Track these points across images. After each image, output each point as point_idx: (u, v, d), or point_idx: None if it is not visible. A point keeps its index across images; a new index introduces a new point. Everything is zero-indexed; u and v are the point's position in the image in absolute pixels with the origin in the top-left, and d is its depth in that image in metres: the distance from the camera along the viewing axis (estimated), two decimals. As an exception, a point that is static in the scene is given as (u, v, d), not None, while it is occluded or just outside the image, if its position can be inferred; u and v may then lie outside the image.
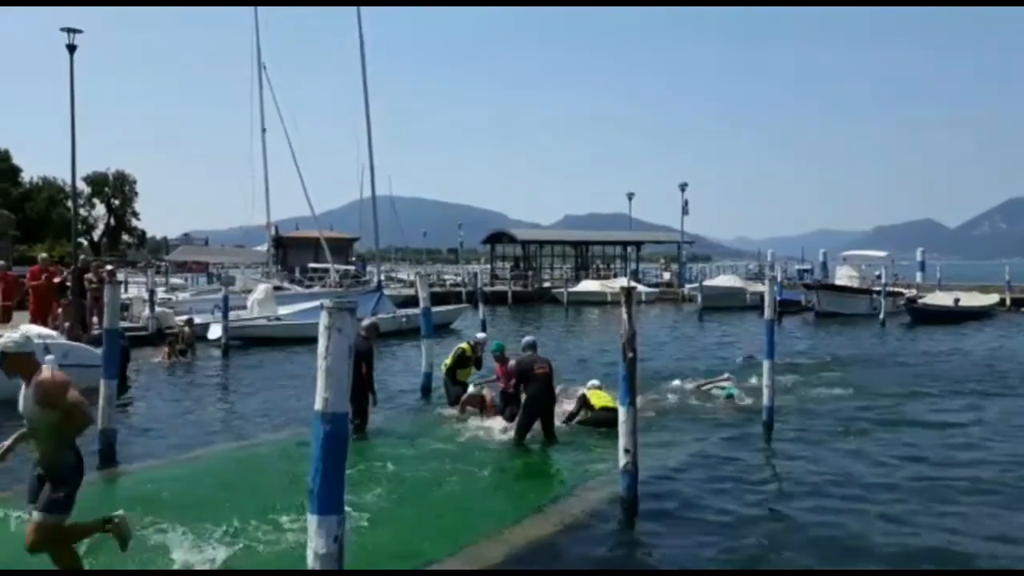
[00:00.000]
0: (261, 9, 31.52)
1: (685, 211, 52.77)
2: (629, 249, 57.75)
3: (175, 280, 41.27)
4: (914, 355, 20.90)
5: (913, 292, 36.93)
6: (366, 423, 10.64)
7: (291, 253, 48.80)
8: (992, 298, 36.34)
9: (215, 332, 22.23)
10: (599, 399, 11.40)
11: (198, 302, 27.19)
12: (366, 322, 11.82)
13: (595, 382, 12.01)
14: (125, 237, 79.48)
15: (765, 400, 11.13)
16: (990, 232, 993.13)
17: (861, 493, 8.30)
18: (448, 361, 12.64)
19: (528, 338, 11.41)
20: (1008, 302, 36.46)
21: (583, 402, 11.48)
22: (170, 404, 13.75)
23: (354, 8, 27.63)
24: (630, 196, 60.38)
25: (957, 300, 33.47)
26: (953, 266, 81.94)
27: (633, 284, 41.89)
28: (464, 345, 12.71)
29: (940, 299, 34.58)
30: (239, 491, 8.02)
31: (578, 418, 11.40)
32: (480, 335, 13.52)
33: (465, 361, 12.52)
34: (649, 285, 50.46)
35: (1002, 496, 8.22)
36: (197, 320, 22.10)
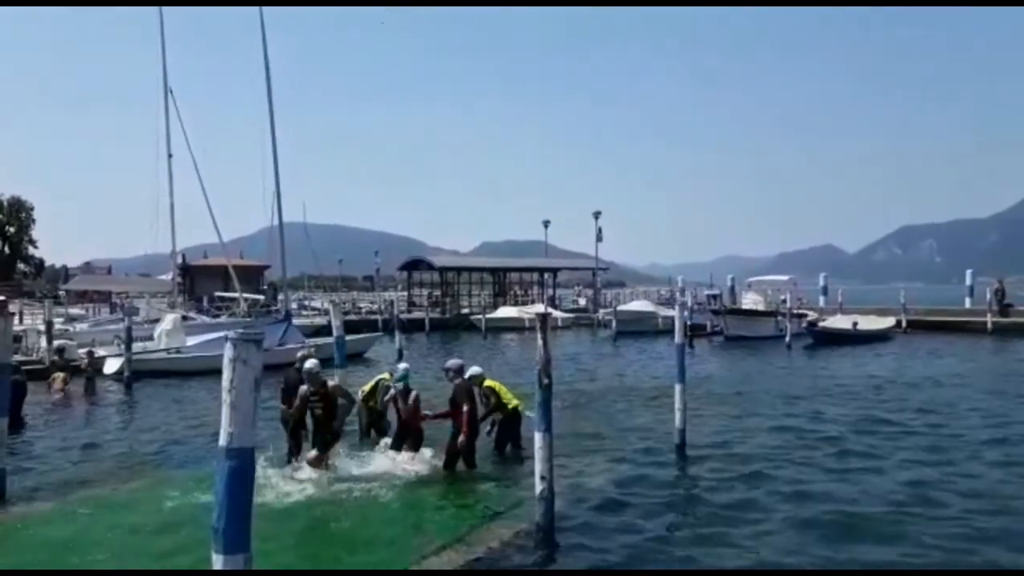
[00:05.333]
0: (168, 30, 30.68)
1: (599, 238, 53.89)
2: (546, 276, 58.35)
3: (74, 310, 39.45)
4: (808, 376, 21.77)
5: (815, 315, 38.40)
6: (299, 453, 10.46)
7: (199, 282, 47.28)
8: (889, 321, 38.10)
9: (112, 366, 21.30)
10: (506, 394, 11.24)
11: (100, 333, 26.06)
12: (300, 353, 11.54)
13: (476, 369, 11.21)
14: (21, 266, 75.58)
15: (677, 423, 11.36)
16: (886, 257, 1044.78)
17: (769, 510, 8.54)
18: (366, 388, 12.45)
19: (453, 361, 10.91)
20: (904, 324, 38.30)
21: (494, 400, 11.13)
22: (68, 442, 13.03)
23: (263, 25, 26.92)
24: (546, 224, 61.21)
25: (855, 323, 35.02)
26: (854, 290, 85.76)
27: (549, 310, 42.32)
28: (385, 375, 12.52)
29: (840, 322, 36.11)
30: (142, 532, 7.68)
31: (492, 418, 11.19)
32: (402, 365, 13.27)
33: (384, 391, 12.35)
34: (566, 311, 51.03)
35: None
36: (100, 352, 21.17)
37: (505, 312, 46.84)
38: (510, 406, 11.21)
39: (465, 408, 10.15)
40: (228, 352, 3.99)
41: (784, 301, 36.96)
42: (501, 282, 57.79)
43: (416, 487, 9.46)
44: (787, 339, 31.46)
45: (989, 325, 35.93)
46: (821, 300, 48.47)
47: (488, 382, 11.38)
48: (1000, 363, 25.47)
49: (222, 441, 3.98)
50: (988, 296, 37.55)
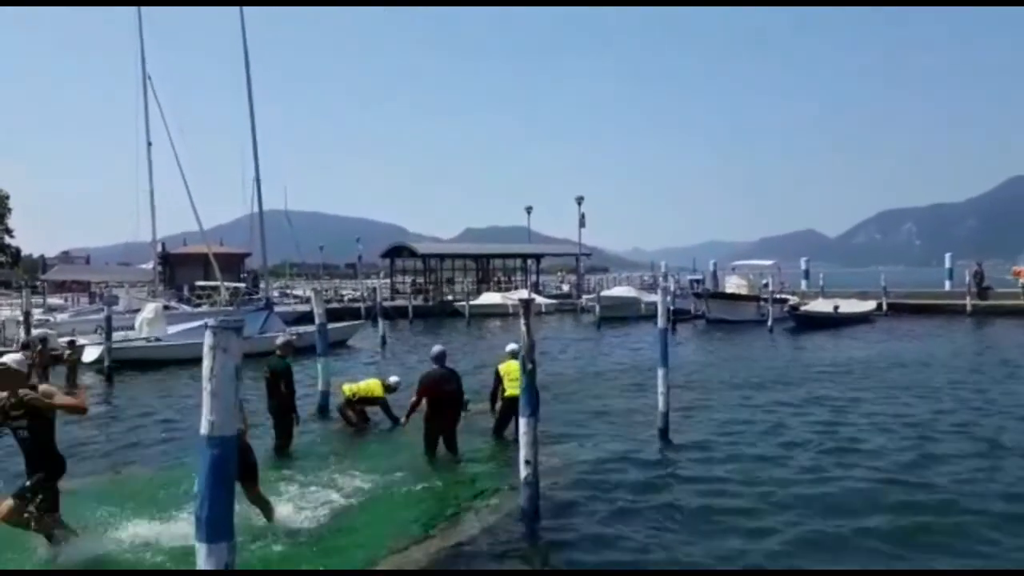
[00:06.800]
0: (147, 21, 30.14)
1: (582, 224, 53.92)
2: (529, 262, 58.33)
3: (53, 300, 39.10)
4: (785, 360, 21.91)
5: (796, 299, 38.63)
6: (290, 443, 10.40)
7: (179, 270, 47.04)
8: (869, 304, 38.49)
9: (91, 354, 21.14)
10: (512, 381, 10.70)
11: (81, 323, 25.85)
12: (280, 340, 11.44)
13: (513, 346, 11.36)
14: (-3, 256, 74.70)
15: (660, 407, 11.38)
16: (866, 241, 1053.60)
17: (752, 493, 8.59)
18: (358, 387, 12.40)
19: (436, 348, 10.68)
20: (885, 307, 38.66)
21: (497, 381, 11.27)
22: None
23: (244, 23, 26.81)
24: (529, 210, 61.10)
25: (836, 307, 35.32)
26: (835, 274, 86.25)
27: (533, 296, 42.36)
28: (375, 381, 12.59)
29: (821, 306, 36.39)
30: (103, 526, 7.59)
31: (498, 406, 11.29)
32: (393, 379, 13.18)
33: (367, 399, 12.32)
34: (549, 297, 51.08)
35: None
36: (81, 341, 21.01)
37: (488, 298, 46.80)
38: (506, 393, 11.02)
39: (411, 399, 10.50)
40: (208, 340, 3.95)
41: (766, 285, 37.16)
42: (484, 268, 57.74)
43: (398, 473, 9.39)
44: (769, 323, 31.66)
45: (968, 307, 36.38)
46: (803, 284, 48.79)
47: (503, 364, 11.30)
48: (979, 345, 25.79)
49: (203, 430, 3.95)
50: (967, 279, 38.05)
